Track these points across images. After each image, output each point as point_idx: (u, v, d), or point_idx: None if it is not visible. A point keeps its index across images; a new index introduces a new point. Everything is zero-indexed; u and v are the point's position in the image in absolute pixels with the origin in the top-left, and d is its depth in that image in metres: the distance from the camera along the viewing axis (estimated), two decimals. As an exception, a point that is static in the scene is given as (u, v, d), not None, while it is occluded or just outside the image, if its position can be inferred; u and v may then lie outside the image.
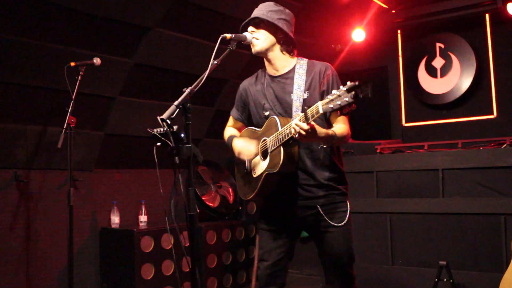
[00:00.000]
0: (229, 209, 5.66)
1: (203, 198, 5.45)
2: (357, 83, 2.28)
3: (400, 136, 6.14)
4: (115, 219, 5.00)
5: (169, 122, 2.29)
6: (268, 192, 2.91)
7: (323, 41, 6.30)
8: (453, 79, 5.77)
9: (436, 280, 4.45)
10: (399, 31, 6.25)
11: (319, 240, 2.92)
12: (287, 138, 2.62)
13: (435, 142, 5.24)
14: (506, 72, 5.48)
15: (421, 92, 6.02)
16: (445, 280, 4.43)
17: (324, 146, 2.78)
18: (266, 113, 2.91)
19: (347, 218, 2.89)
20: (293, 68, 2.91)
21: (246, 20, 2.90)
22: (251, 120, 3.08)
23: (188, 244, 2.39)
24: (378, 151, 5.30)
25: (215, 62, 2.62)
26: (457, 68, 5.74)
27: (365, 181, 5.21)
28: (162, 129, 2.31)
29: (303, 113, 2.49)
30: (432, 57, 5.94)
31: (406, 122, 6.19)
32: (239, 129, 3.19)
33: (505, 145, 4.61)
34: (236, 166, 3.15)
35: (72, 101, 3.86)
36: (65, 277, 4.52)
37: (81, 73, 3.93)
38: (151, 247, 4.77)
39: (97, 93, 4.65)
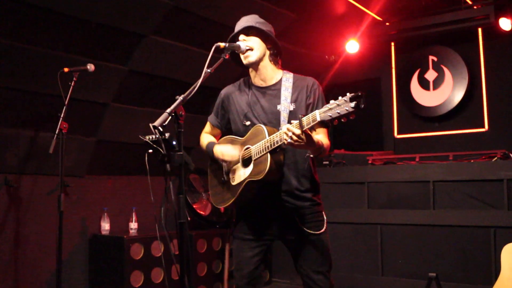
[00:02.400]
0: (220, 218, 5.65)
1: (194, 206, 5.44)
2: (359, 93, 2.30)
3: (392, 148, 6.17)
4: (106, 226, 4.98)
5: (161, 130, 2.29)
6: (245, 201, 2.90)
7: (317, 52, 6.33)
8: (445, 92, 5.81)
9: (425, 292, 4.46)
10: (392, 44, 6.29)
11: (296, 248, 2.92)
12: (275, 145, 2.62)
13: (427, 154, 5.27)
14: (498, 85, 5.53)
15: (414, 104, 6.05)
16: (434, 292, 4.44)
17: (311, 155, 2.80)
18: (247, 123, 2.91)
19: (324, 227, 2.91)
20: (280, 80, 2.93)
21: (237, 30, 2.90)
22: (229, 128, 3.09)
23: (178, 252, 2.38)
24: (369, 162, 5.32)
25: (209, 70, 2.62)
26: (449, 81, 5.79)
27: (357, 192, 5.22)
28: (154, 136, 2.31)
29: (298, 121, 2.48)
30: (425, 69, 5.98)
31: (398, 133, 6.22)
32: (216, 136, 3.18)
33: (496, 158, 4.64)
34: (211, 173, 3.12)
35: (65, 107, 3.85)
36: (53, 283, 4.49)
37: (74, 79, 3.92)
38: (141, 255, 4.75)
39: (90, 99, 4.65)
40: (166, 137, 2.31)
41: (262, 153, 2.70)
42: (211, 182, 3.11)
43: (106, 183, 5.19)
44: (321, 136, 2.81)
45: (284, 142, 2.55)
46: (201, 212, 5.48)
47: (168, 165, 2.32)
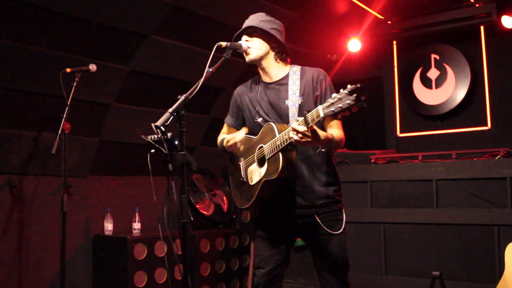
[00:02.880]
0: (223, 218, 5.65)
1: (197, 206, 5.44)
2: (358, 85, 2.28)
3: (395, 146, 6.15)
4: (109, 226, 4.99)
5: (163, 129, 2.30)
6: (266, 200, 2.90)
7: (319, 51, 6.33)
8: (447, 90, 5.79)
9: (429, 290, 4.45)
10: (394, 42, 6.28)
11: (315, 248, 2.93)
12: (285, 143, 2.61)
13: (430, 153, 5.25)
14: (501, 84, 5.52)
15: (416, 103, 6.04)
16: (438, 290, 4.43)
17: (323, 150, 2.79)
18: (259, 120, 2.92)
19: (343, 227, 2.91)
20: (287, 75, 2.93)
21: (240, 30, 2.93)
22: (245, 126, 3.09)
23: (181, 252, 2.38)
24: (372, 161, 5.31)
25: (210, 70, 2.63)
26: (452, 80, 5.77)
27: (359, 191, 5.21)
28: (156, 136, 2.31)
29: (303, 118, 2.48)
30: (427, 68, 5.97)
31: (400, 132, 6.21)
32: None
33: (498, 156, 4.63)
34: (230, 175, 3.15)
35: (67, 107, 3.86)
36: (57, 284, 4.51)
37: (76, 79, 3.93)
38: (144, 255, 4.75)
39: (93, 100, 4.65)
40: (168, 137, 2.31)
41: (274, 152, 2.70)
42: (232, 184, 3.13)
43: (109, 183, 5.20)
44: (334, 130, 2.81)
45: (291, 141, 2.55)
46: (204, 212, 5.48)
47: (170, 165, 2.32)
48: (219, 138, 3.20)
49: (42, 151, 4.44)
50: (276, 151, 2.68)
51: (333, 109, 2.32)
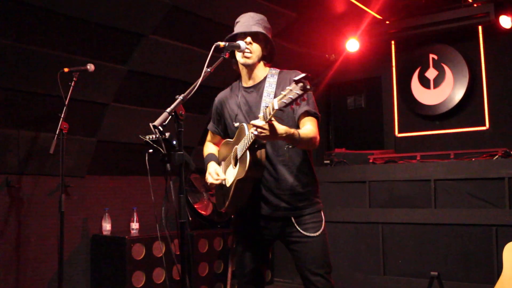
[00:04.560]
0: (221, 218, 5.64)
1: (195, 206, 5.44)
2: (304, 74, 2.30)
3: (393, 146, 6.16)
4: (107, 226, 4.98)
5: (161, 129, 2.29)
6: (242, 202, 2.90)
7: (318, 51, 6.33)
8: (446, 90, 5.80)
9: (427, 290, 4.45)
10: (393, 42, 6.28)
11: (294, 250, 2.91)
12: (251, 141, 2.63)
13: (428, 153, 5.26)
14: (499, 84, 5.52)
15: (414, 103, 6.05)
16: (436, 290, 4.43)
17: (290, 146, 2.79)
18: (236, 124, 2.93)
19: (322, 228, 2.89)
20: (265, 78, 2.94)
21: (248, 31, 2.87)
22: (227, 133, 3.11)
23: (179, 252, 2.38)
24: (370, 161, 5.32)
25: (208, 70, 2.63)
26: (450, 80, 5.78)
27: (358, 191, 5.21)
28: (154, 136, 2.31)
29: (263, 114, 2.51)
30: (425, 68, 5.97)
31: (399, 132, 6.21)
32: (217, 143, 3.21)
33: (497, 156, 4.63)
34: None
35: (65, 107, 3.86)
36: (55, 283, 4.50)
37: (74, 79, 3.92)
38: (142, 255, 4.75)
39: (90, 99, 4.65)
40: (166, 137, 2.31)
41: (243, 151, 2.72)
42: (215, 188, 3.13)
43: (107, 183, 5.19)
44: (305, 127, 2.80)
45: (254, 137, 2.57)
46: (202, 212, 5.48)
47: (168, 165, 2.32)
48: (204, 150, 3.23)
49: (40, 151, 4.43)
50: (244, 149, 2.70)
51: (285, 100, 2.35)
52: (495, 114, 5.53)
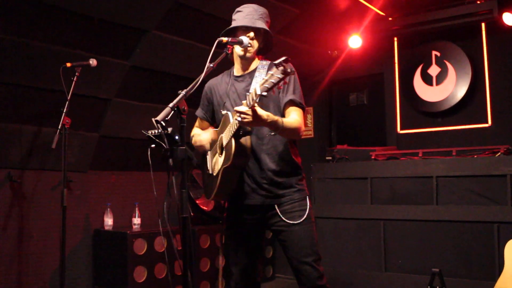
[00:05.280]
0: (223, 213, 5.63)
1: (197, 202, 5.44)
2: (284, 58, 2.31)
3: (395, 143, 6.15)
4: (109, 221, 5.00)
5: (163, 124, 2.29)
6: (229, 191, 2.91)
7: (320, 47, 6.31)
8: (448, 87, 5.79)
9: (428, 287, 4.45)
10: (395, 39, 6.26)
11: (281, 240, 2.92)
12: (236, 128, 2.65)
13: (430, 150, 5.25)
14: (501, 81, 5.51)
15: (417, 100, 6.03)
16: (437, 287, 4.43)
17: (272, 133, 2.80)
18: (223, 112, 2.93)
19: (306, 215, 2.87)
20: (255, 68, 2.97)
21: (253, 26, 2.88)
22: (215, 119, 3.14)
23: (180, 248, 2.38)
24: (372, 157, 5.31)
25: (211, 65, 2.64)
26: (452, 76, 5.76)
27: (359, 188, 5.21)
28: (156, 131, 2.31)
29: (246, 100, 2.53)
30: (428, 65, 5.96)
31: (401, 129, 6.20)
32: (205, 129, 3.22)
33: (499, 153, 4.63)
34: (202, 169, 3.18)
35: (67, 102, 3.86)
36: (57, 278, 4.52)
37: (77, 74, 3.93)
38: (144, 250, 4.76)
39: (93, 95, 4.65)
40: (169, 132, 2.31)
41: (228, 139, 2.73)
42: (203, 177, 3.17)
43: (109, 178, 5.20)
44: (291, 116, 2.82)
45: (238, 124, 2.59)
46: (204, 208, 5.48)
47: (170, 160, 2.32)
48: (192, 133, 3.26)
49: (42, 146, 4.44)
50: (229, 137, 2.72)
51: (267, 85, 2.37)
52: (497, 111, 5.52)
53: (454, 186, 4.70)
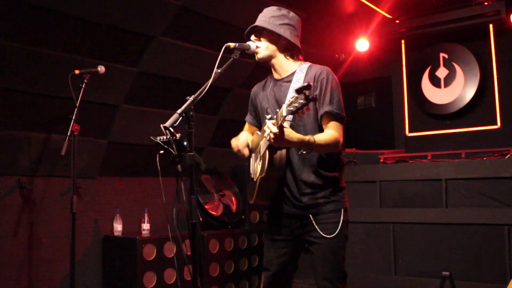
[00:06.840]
0: (232, 218, 5.65)
1: (206, 207, 5.44)
2: (305, 84, 2.29)
3: (404, 146, 6.14)
4: (118, 227, 5.01)
5: (172, 130, 2.30)
6: (268, 195, 2.89)
7: (327, 50, 6.32)
8: (456, 89, 5.77)
9: (439, 290, 4.44)
10: (403, 41, 6.26)
11: (310, 252, 2.85)
12: (268, 142, 2.60)
13: (439, 152, 5.24)
14: (510, 82, 5.49)
15: (425, 102, 6.02)
16: (448, 291, 4.41)
17: (304, 152, 2.75)
18: (268, 117, 2.91)
19: (338, 230, 2.77)
20: (294, 72, 2.89)
21: (248, 29, 2.91)
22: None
23: (190, 253, 2.38)
24: (381, 160, 5.30)
25: (219, 71, 2.63)
26: (460, 78, 5.75)
27: (368, 191, 5.20)
28: (165, 137, 2.31)
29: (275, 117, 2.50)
30: (436, 67, 5.95)
31: (409, 132, 6.19)
32: (253, 134, 3.18)
33: (508, 155, 4.61)
34: (248, 172, 3.17)
35: (76, 109, 3.88)
36: (67, 284, 4.52)
37: (85, 80, 3.95)
38: (154, 255, 4.76)
39: (101, 101, 4.67)
40: (177, 138, 2.31)
41: (264, 149, 2.71)
42: (248, 178, 3.13)
43: (118, 184, 5.21)
44: (327, 131, 2.75)
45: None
46: (213, 213, 5.49)
47: (179, 166, 2.32)
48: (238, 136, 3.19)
49: (52, 152, 4.45)
50: (265, 148, 2.70)
51: (291, 108, 2.36)
52: (506, 112, 5.50)
53: (464, 189, 4.68)
